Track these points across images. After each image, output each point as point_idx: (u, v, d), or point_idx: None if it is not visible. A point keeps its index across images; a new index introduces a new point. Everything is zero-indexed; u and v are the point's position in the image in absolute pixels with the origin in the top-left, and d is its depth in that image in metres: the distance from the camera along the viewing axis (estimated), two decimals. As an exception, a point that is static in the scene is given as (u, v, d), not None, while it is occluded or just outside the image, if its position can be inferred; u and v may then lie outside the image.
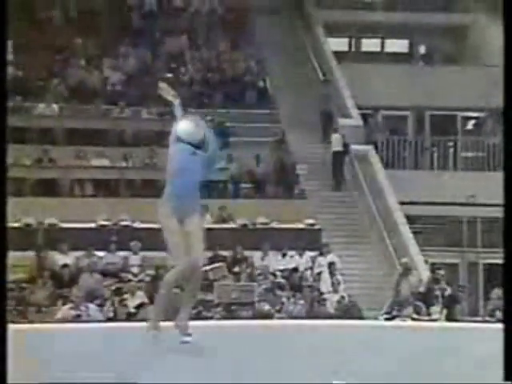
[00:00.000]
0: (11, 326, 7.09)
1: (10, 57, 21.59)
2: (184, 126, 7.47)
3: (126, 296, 15.02)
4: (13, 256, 15.65)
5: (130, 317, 14.40)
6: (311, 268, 17.00)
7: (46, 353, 6.81)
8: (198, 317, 14.42)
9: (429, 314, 15.04)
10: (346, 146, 20.58)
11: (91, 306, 14.54)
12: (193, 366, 6.01)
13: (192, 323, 9.99)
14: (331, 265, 16.91)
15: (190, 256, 7.23)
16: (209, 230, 17.40)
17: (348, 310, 15.30)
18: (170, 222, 7.23)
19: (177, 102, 7.80)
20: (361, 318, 14.63)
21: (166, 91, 7.88)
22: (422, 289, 15.68)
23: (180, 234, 7.25)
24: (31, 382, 5.10)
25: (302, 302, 15.40)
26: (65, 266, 15.91)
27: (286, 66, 23.38)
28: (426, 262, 17.82)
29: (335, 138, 20.61)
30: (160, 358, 6.62)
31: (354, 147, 20.99)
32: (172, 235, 7.23)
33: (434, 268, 16.60)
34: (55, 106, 20.23)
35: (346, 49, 27.07)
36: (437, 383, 5.63)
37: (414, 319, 14.64)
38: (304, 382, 5.40)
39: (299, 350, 7.36)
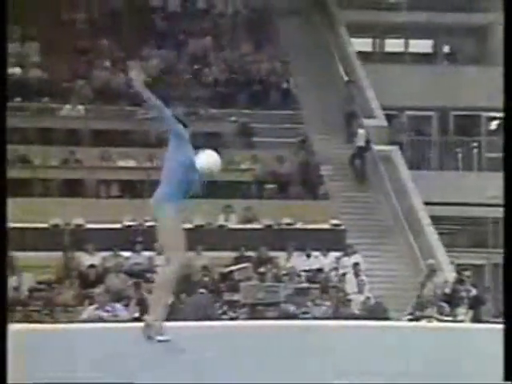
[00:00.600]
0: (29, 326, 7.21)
1: (36, 59, 21.86)
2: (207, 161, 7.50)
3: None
4: (40, 256, 16.00)
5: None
6: (336, 269, 17.00)
7: (67, 352, 6.89)
8: (223, 317, 14.54)
9: (454, 316, 15.02)
10: (368, 142, 20.74)
11: (117, 305, 14.64)
12: (219, 365, 6.06)
13: (218, 323, 10.07)
14: (356, 265, 16.92)
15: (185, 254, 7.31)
16: (234, 230, 17.73)
17: (373, 311, 15.31)
18: (176, 220, 7.28)
19: (146, 90, 7.44)
20: (386, 318, 14.64)
21: (135, 73, 7.56)
22: (447, 290, 15.66)
23: (182, 233, 7.37)
24: (31, 382, 5.15)
25: (327, 302, 15.42)
26: (91, 266, 16.02)
27: (309, 66, 23.40)
28: (452, 262, 17.79)
29: (360, 133, 20.73)
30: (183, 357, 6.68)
31: (378, 148, 21.00)
32: (175, 234, 7.25)
33: (459, 269, 16.56)
34: (81, 108, 20.36)
35: (369, 49, 27.04)
36: (439, 383, 5.65)
37: (438, 320, 14.63)
38: (308, 382, 5.44)
39: (323, 350, 7.40)
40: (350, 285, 16.49)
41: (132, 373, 5.52)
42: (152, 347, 6.90)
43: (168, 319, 13.70)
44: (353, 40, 24.64)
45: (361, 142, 20.80)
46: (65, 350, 6.96)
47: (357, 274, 16.69)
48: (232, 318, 14.36)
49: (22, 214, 16.89)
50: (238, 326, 11.50)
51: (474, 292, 15.50)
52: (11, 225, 16.78)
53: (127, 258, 16.76)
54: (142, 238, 17.11)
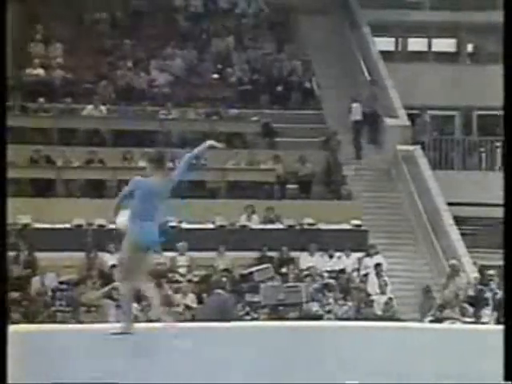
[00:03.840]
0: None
1: (59, 60, 21.98)
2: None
3: (174, 296, 15.14)
4: (63, 257, 16.07)
5: (179, 316, 14.50)
6: (358, 269, 16.97)
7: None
8: (245, 318, 14.53)
9: (478, 317, 14.91)
10: (364, 115, 20.96)
11: (134, 305, 14.65)
12: (238, 366, 6.05)
13: (239, 324, 10.07)
14: (378, 266, 16.86)
15: None
16: (256, 230, 17.72)
17: (395, 312, 15.24)
18: None
19: None
20: (408, 320, 14.56)
21: None
22: (471, 291, 15.53)
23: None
24: (31, 382, 5.16)
25: (349, 303, 15.37)
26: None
27: (332, 66, 23.34)
28: (475, 263, 17.66)
29: (355, 107, 20.92)
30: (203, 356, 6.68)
31: (400, 147, 20.91)
32: None
33: (482, 270, 16.43)
34: (103, 108, 20.44)
35: (392, 48, 26.93)
36: (439, 383, 5.63)
37: (461, 322, 14.53)
38: (315, 382, 5.42)
39: (345, 351, 7.38)
40: (372, 285, 16.44)
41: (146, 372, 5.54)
42: (168, 348, 6.93)
43: (189, 320, 13.72)
44: (375, 39, 24.54)
45: (357, 116, 20.83)
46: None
47: (379, 275, 16.63)
48: (253, 319, 14.34)
49: (45, 214, 17.01)
50: (258, 326, 11.49)
51: (499, 294, 15.30)
52: (35, 225, 16.95)
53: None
54: (165, 238, 17.14)
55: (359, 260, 17.18)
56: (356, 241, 17.64)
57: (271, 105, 21.79)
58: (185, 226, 17.58)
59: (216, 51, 23.12)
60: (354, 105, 21.15)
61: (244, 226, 17.94)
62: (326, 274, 16.65)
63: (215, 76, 22.62)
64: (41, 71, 21.55)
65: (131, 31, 22.90)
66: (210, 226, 17.74)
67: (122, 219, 8.13)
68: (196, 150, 8.36)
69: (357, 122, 21.15)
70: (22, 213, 16.82)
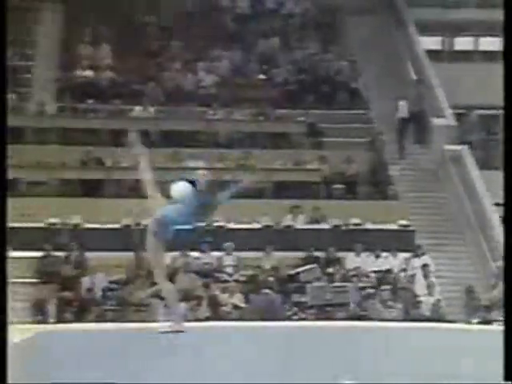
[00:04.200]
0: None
1: (108, 61, 22.25)
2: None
3: (222, 296, 15.26)
4: (113, 256, 16.29)
5: (226, 316, 14.64)
6: (405, 270, 16.91)
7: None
8: (292, 318, 14.60)
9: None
10: (411, 114, 20.90)
11: (182, 304, 14.80)
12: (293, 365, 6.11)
13: (287, 324, 10.15)
14: (425, 267, 16.79)
15: None
16: (302, 230, 17.78)
17: (443, 313, 15.18)
18: None
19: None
20: (454, 321, 14.50)
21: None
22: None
23: None
24: (31, 382, 5.28)
25: (396, 304, 15.34)
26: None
27: (378, 65, 23.26)
28: (523, 264, 17.45)
29: (401, 104, 20.84)
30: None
31: (447, 147, 20.79)
32: None
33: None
34: (151, 109, 20.66)
35: (438, 47, 26.75)
36: (437, 383, 5.64)
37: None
38: (316, 382, 5.46)
39: (393, 352, 7.40)
40: (420, 286, 16.37)
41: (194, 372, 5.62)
42: (213, 347, 7.02)
43: (236, 319, 13.84)
44: (422, 38, 24.42)
45: (403, 114, 20.79)
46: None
47: (426, 276, 16.56)
48: (301, 319, 14.40)
49: (94, 214, 17.25)
50: (305, 326, 11.55)
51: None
52: (85, 225, 17.20)
53: (196, 258, 16.93)
54: (211, 238, 17.30)
55: (406, 260, 17.11)
56: (403, 241, 17.57)
57: (317, 105, 21.78)
58: (231, 225, 17.69)
59: (262, 52, 23.19)
60: (401, 102, 21.09)
61: (290, 226, 17.99)
62: (372, 275, 16.63)
63: (261, 76, 22.70)
64: (89, 73, 21.84)
65: (179, 33, 23.08)
66: (257, 225, 17.84)
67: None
68: (232, 191, 8.66)
69: (403, 120, 21.09)
70: (72, 213, 17.09)
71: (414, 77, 23.20)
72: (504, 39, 5.68)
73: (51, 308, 14.67)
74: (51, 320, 14.45)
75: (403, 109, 21.20)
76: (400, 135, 21.18)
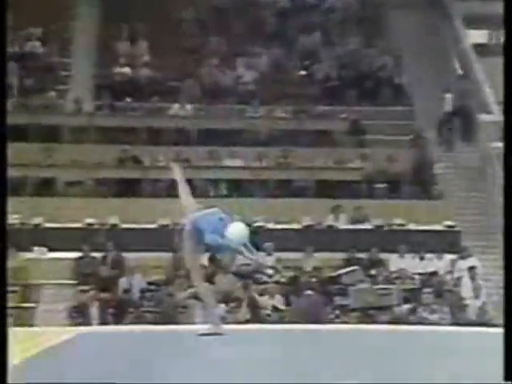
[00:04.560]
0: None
1: (145, 58, 22.42)
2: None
3: (261, 298, 15.29)
4: (150, 257, 16.42)
5: (266, 319, 14.68)
6: (451, 272, 16.79)
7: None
8: (334, 321, 14.59)
9: None
10: (456, 110, 20.79)
11: (221, 306, 14.86)
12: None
13: (329, 327, 10.15)
14: (472, 269, 16.64)
15: None
16: (343, 231, 17.75)
17: (490, 317, 15.05)
18: None
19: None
20: (500, 325, 14.34)
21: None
22: None
23: None
24: (31, 382, 5.35)
25: (441, 307, 15.24)
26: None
27: (422, 60, 23.12)
28: None
29: (447, 98, 20.82)
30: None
31: (494, 145, 20.61)
32: None
33: None
34: (189, 107, 20.77)
35: (485, 41, 26.52)
36: (436, 383, 5.61)
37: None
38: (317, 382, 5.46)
39: (438, 356, 7.38)
40: (466, 289, 16.24)
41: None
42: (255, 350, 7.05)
43: (276, 322, 13.85)
44: (468, 32, 24.23)
45: (448, 107, 20.60)
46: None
47: (473, 278, 16.42)
48: (343, 323, 14.39)
49: (131, 214, 17.41)
50: (349, 329, 11.55)
51: None
52: (122, 225, 17.35)
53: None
54: (251, 238, 17.32)
55: (452, 262, 16.98)
56: (448, 242, 17.46)
57: (360, 101, 21.72)
58: (271, 225, 17.73)
59: (303, 47, 23.19)
60: (447, 95, 20.93)
61: (331, 226, 17.98)
62: (417, 277, 16.55)
63: (302, 73, 22.71)
64: (127, 70, 22.02)
65: (217, 28, 23.18)
66: (297, 226, 17.85)
67: None
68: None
69: (448, 114, 20.92)
70: (109, 213, 17.27)
71: (460, 72, 23.03)
72: (504, 38, 5.69)
73: (92, 310, 14.80)
74: (92, 322, 14.59)
75: (448, 102, 21.06)
76: (446, 132, 21.05)
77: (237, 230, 8.58)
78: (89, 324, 14.28)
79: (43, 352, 7.16)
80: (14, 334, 10.15)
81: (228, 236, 8.54)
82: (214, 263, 13.05)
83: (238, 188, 19.18)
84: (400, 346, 8.42)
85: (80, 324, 13.89)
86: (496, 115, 21.56)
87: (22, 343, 8.07)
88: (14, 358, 6.09)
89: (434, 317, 14.76)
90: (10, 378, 4.95)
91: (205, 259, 16.57)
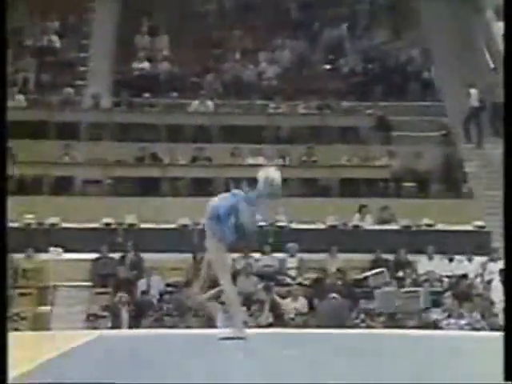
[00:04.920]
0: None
1: (165, 52, 22.48)
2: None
3: (285, 301, 15.27)
4: (169, 258, 16.43)
5: (289, 323, 14.66)
6: (481, 275, 16.68)
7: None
8: (359, 326, 14.54)
9: None
10: (482, 102, 20.70)
11: (243, 309, 14.86)
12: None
13: (354, 331, 10.09)
14: (503, 272, 16.54)
15: None
16: (369, 231, 17.69)
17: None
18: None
19: None
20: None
21: None
22: None
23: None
24: (31, 382, 5.37)
25: (471, 312, 15.13)
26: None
27: (452, 53, 23.03)
28: None
29: (473, 93, 20.68)
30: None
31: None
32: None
33: None
34: (210, 103, 20.78)
35: (518, 33, 26.31)
36: (435, 383, 5.55)
37: None
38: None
39: (468, 364, 7.33)
40: (497, 293, 16.10)
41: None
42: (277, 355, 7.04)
43: (299, 326, 13.82)
44: (499, 24, 24.05)
45: (474, 103, 20.52)
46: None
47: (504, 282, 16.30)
48: (369, 327, 14.33)
49: (150, 214, 17.43)
50: (373, 334, 11.51)
51: None
52: (141, 225, 17.39)
53: (257, 260, 16.99)
54: (273, 238, 17.33)
55: (483, 265, 16.86)
56: (478, 243, 17.34)
57: (386, 96, 21.67)
58: (294, 225, 17.71)
59: (328, 41, 23.16)
60: (472, 90, 20.83)
61: (357, 227, 17.92)
62: (445, 280, 16.45)
63: (327, 67, 22.69)
64: (146, 64, 22.09)
65: (239, 22, 23.19)
66: (321, 225, 17.82)
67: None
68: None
69: (475, 109, 20.82)
70: (128, 212, 17.30)
71: (491, 65, 22.90)
72: (504, 38, 5.72)
73: (123, 314, 14.83)
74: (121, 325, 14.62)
75: (474, 97, 20.93)
76: (473, 127, 20.91)
77: (265, 175, 8.32)
78: (115, 327, 14.27)
79: (63, 354, 7.21)
80: (28, 338, 10.23)
81: (259, 187, 8.34)
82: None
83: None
84: (427, 352, 8.37)
85: (99, 328, 13.91)
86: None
87: (40, 346, 8.13)
88: (30, 362, 6.16)
89: (463, 322, 14.67)
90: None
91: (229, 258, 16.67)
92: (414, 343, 9.44)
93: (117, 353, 7.73)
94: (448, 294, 15.55)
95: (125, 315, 14.77)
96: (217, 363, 6.67)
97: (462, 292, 15.69)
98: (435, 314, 14.99)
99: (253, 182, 20.16)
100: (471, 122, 20.91)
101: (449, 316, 14.82)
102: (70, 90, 20.93)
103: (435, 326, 14.41)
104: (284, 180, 20.67)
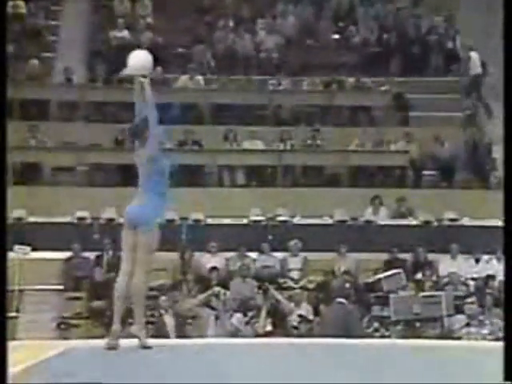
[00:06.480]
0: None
1: (148, 20, 22.49)
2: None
3: (285, 306, 15.34)
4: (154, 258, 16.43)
5: (291, 331, 14.75)
6: (512, 277, 16.77)
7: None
8: (373, 335, 14.63)
9: None
10: (484, 66, 20.88)
11: (238, 315, 14.95)
12: None
13: (367, 341, 10.20)
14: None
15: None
16: (384, 227, 17.79)
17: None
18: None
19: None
20: None
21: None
22: None
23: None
24: (31, 382, 5.45)
25: (499, 318, 15.23)
26: (213, 268, 16.38)
27: (480, 21, 23.08)
28: None
29: (473, 57, 20.87)
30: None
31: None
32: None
33: None
34: (200, 78, 20.84)
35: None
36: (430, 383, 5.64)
37: None
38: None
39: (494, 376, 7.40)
40: (529, 298, 16.24)
41: None
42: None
43: (305, 335, 13.89)
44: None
45: (477, 69, 20.62)
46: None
47: (537, 285, 16.41)
48: (384, 337, 14.44)
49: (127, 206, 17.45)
50: (388, 345, 11.60)
51: None
52: (121, 220, 17.34)
53: (255, 260, 17.07)
54: (273, 235, 17.42)
55: (513, 265, 16.96)
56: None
57: (404, 71, 21.77)
58: (298, 220, 17.80)
59: (337, 6, 23.22)
60: (473, 54, 20.88)
61: (369, 222, 18.03)
62: (471, 282, 16.57)
63: (335, 37, 22.75)
64: (126, 33, 22.10)
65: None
66: (328, 220, 17.91)
67: None
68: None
69: (477, 77, 20.89)
70: (105, 205, 17.35)
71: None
72: (504, 38, 5.99)
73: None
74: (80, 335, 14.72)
75: (475, 62, 20.91)
76: (477, 97, 20.85)
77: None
78: (77, 338, 14.36)
79: (29, 367, 7.29)
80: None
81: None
82: None
83: (258, 175, 19.25)
84: (450, 364, 8.46)
85: (67, 338, 13.98)
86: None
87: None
88: None
89: (491, 329, 14.77)
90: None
91: (222, 260, 16.72)
92: (435, 355, 9.52)
93: (89, 366, 7.78)
94: (473, 298, 15.65)
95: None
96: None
97: (490, 296, 15.78)
98: (458, 322, 15.09)
99: (251, 169, 19.95)
100: (472, 92, 20.89)
101: (473, 324, 14.92)
102: (36, 62, 20.94)
103: (459, 334, 14.51)
104: (285, 167, 20.70)
